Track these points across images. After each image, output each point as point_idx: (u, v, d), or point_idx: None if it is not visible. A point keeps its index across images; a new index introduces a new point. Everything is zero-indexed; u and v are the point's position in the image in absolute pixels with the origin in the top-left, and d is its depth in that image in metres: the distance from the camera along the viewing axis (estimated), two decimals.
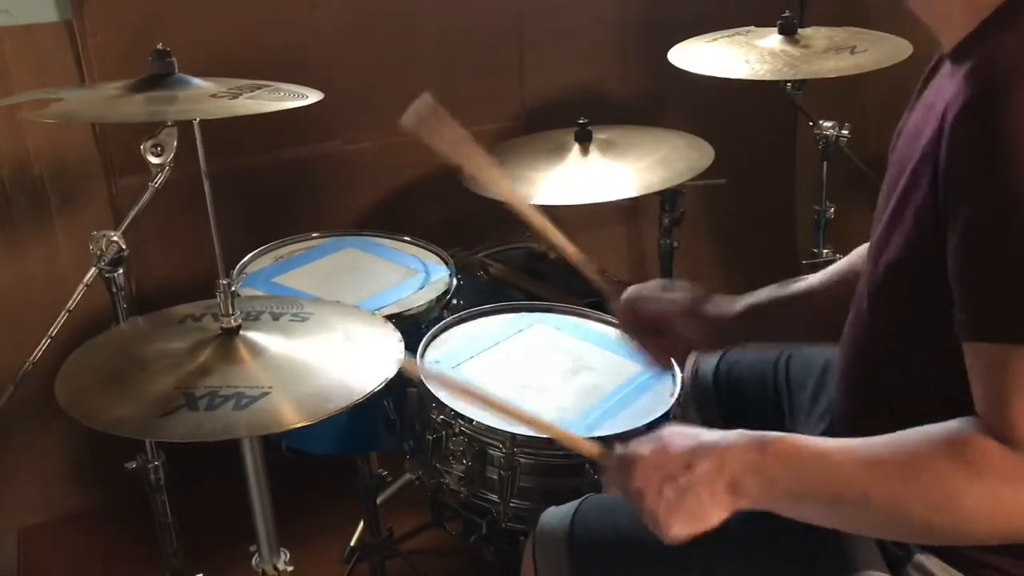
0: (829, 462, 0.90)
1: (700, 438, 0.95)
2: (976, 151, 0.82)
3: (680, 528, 0.93)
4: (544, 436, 1.25)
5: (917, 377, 0.97)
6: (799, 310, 1.28)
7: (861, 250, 1.23)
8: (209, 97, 1.48)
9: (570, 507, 1.19)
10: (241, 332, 1.21)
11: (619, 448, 1.00)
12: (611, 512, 1.18)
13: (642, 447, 0.96)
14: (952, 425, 0.86)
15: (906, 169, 0.94)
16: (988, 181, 0.81)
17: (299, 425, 1.08)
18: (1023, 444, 0.81)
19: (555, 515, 1.20)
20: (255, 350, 1.19)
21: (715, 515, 0.93)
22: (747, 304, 1.27)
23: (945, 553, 0.98)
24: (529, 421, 1.15)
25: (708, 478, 0.92)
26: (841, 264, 1.27)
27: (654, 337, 1.30)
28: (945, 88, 0.91)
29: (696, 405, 1.43)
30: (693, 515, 0.92)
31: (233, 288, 1.20)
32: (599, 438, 1.21)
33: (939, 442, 0.86)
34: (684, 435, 0.96)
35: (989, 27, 0.90)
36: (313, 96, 1.58)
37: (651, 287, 1.32)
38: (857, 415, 1.07)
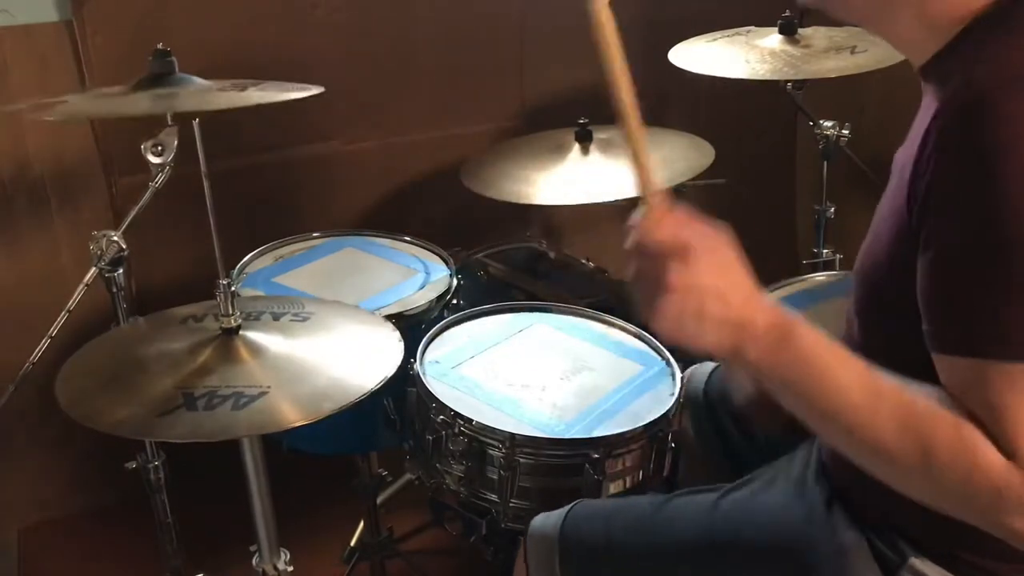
0: (836, 380, 0.87)
1: (746, 290, 0.89)
2: (953, 169, 0.83)
3: (667, 335, 0.88)
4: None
5: None
6: None
7: None
8: (216, 91, 1.47)
9: (560, 513, 1.20)
10: (241, 332, 1.21)
11: (675, 223, 0.89)
12: (602, 517, 1.18)
13: (701, 253, 0.87)
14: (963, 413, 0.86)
15: (892, 184, 0.95)
16: (969, 197, 0.82)
17: (297, 424, 1.08)
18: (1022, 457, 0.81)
19: (546, 520, 1.20)
20: (255, 350, 1.19)
21: (703, 346, 0.88)
22: None
23: (940, 557, 0.99)
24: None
25: (724, 330, 0.87)
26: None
27: None
28: (924, 107, 0.92)
29: (690, 417, 1.43)
30: (686, 340, 0.88)
31: (233, 288, 1.20)
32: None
33: (946, 415, 0.84)
34: (739, 273, 0.89)
35: (959, 46, 0.90)
36: (315, 88, 1.57)
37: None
38: None
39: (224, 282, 1.18)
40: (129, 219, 1.43)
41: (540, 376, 1.49)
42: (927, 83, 0.93)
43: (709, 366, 1.45)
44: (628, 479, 1.37)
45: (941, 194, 0.84)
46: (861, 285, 1.02)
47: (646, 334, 1.58)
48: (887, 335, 0.98)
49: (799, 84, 2.02)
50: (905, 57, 0.98)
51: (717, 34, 2.13)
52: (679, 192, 2.08)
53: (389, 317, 1.43)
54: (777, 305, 0.90)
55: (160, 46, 1.50)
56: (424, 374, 1.45)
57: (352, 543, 1.97)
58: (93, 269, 1.39)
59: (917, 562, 0.99)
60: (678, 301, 0.86)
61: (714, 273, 0.87)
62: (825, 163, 2.09)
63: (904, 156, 0.93)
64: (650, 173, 0.92)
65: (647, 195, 0.92)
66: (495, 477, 1.35)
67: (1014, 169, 0.79)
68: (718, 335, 0.87)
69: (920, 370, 0.89)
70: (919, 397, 0.86)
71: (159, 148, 1.40)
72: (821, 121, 2.06)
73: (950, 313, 0.85)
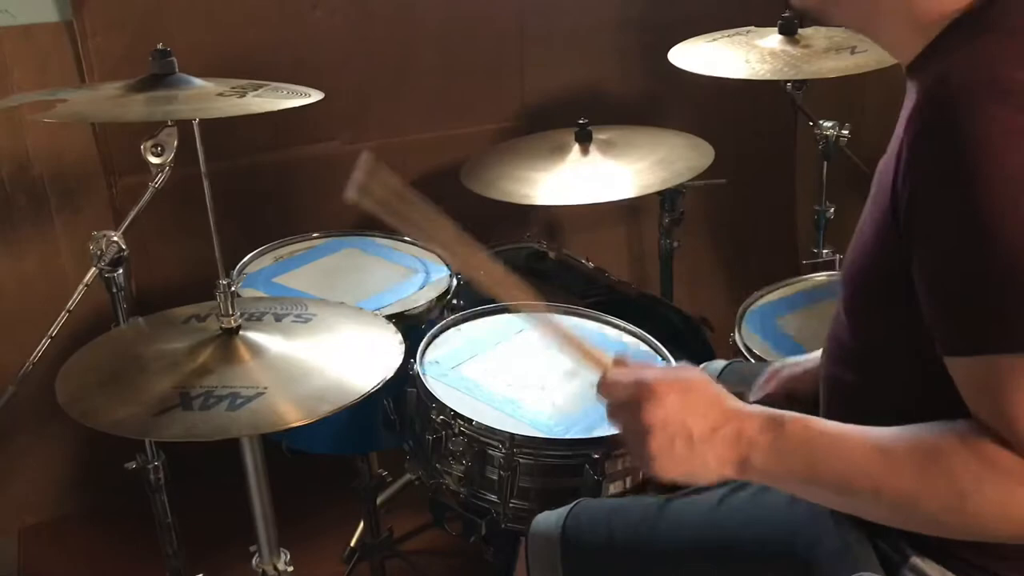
0: (842, 451, 0.89)
1: (724, 403, 0.93)
2: (935, 171, 0.82)
3: (672, 475, 0.91)
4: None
5: (897, 398, 0.97)
6: None
7: None
8: (216, 95, 1.48)
9: (562, 512, 1.19)
10: (241, 332, 1.21)
11: (632, 372, 0.96)
12: (603, 517, 1.18)
13: (664, 386, 0.92)
14: (967, 425, 0.86)
15: (874, 188, 0.95)
16: (949, 199, 0.81)
17: (292, 426, 1.08)
18: None
19: (547, 519, 1.20)
20: (255, 350, 1.19)
21: (713, 478, 0.92)
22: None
23: (941, 556, 0.98)
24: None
25: (722, 447, 0.90)
26: None
27: None
28: (906, 107, 0.91)
29: None
30: (692, 472, 0.92)
31: (233, 288, 1.20)
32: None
33: (954, 442, 0.85)
34: (707, 390, 0.94)
35: (940, 45, 0.89)
36: (315, 95, 1.58)
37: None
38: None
39: (224, 282, 1.18)
40: (129, 219, 1.43)
41: (540, 376, 1.49)
42: (911, 81, 0.93)
43: (719, 364, 1.44)
44: (628, 479, 1.37)
45: (925, 200, 0.84)
46: (849, 285, 1.02)
47: (646, 334, 1.58)
48: (876, 334, 0.98)
49: (799, 84, 2.03)
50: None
51: (717, 34, 2.13)
52: (679, 192, 2.09)
53: (389, 317, 1.43)
54: (754, 406, 0.93)
55: (160, 46, 1.50)
56: (424, 374, 1.45)
57: (352, 543, 1.97)
58: (93, 269, 1.39)
59: (919, 561, 0.99)
60: (662, 435, 0.90)
61: (684, 396, 0.91)
62: (825, 163, 2.09)
63: (886, 159, 0.93)
64: (586, 348, 1.05)
65: (595, 363, 1.02)
66: (495, 477, 1.35)
67: (990, 170, 0.79)
68: (718, 453, 0.90)
69: (909, 368, 0.89)
70: (920, 432, 0.87)
71: (159, 148, 1.40)
72: (821, 121, 2.06)
73: (954, 316, 0.85)
